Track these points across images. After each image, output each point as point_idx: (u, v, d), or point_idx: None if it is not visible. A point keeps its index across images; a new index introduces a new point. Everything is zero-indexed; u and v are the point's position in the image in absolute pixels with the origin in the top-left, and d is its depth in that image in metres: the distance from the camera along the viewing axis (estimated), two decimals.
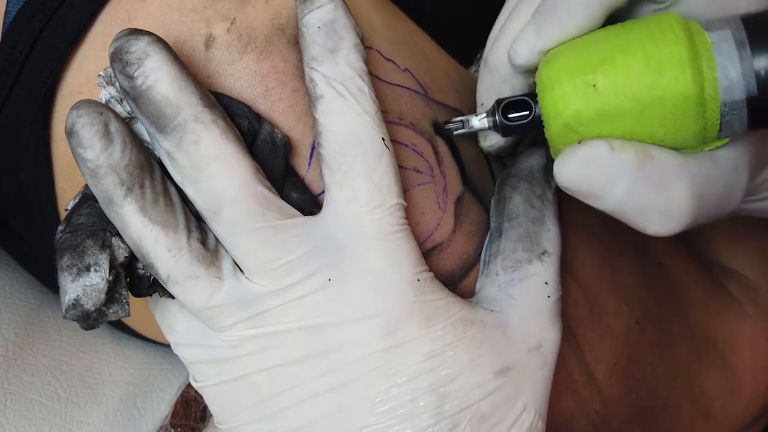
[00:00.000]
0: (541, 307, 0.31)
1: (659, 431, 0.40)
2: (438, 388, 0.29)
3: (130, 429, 0.43)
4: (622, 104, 0.28)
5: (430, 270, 0.31)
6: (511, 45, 0.31)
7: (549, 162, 0.34)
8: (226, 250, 0.29)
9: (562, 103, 0.29)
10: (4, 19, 0.35)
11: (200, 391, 0.31)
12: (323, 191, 0.30)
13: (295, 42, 0.31)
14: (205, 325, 0.30)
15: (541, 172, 0.34)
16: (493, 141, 0.35)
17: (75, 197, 0.31)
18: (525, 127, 0.32)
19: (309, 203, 0.31)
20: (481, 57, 0.58)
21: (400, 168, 0.31)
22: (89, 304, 0.28)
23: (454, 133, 0.34)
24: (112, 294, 0.29)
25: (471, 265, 0.34)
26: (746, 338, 0.43)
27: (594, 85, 0.28)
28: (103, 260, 0.29)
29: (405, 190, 0.31)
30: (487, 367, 0.29)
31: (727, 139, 0.29)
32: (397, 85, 0.33)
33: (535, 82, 0.31)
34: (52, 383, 0.43)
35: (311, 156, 0.31)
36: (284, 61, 0.31)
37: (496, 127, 0.32)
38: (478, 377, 0.29)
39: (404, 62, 0.34)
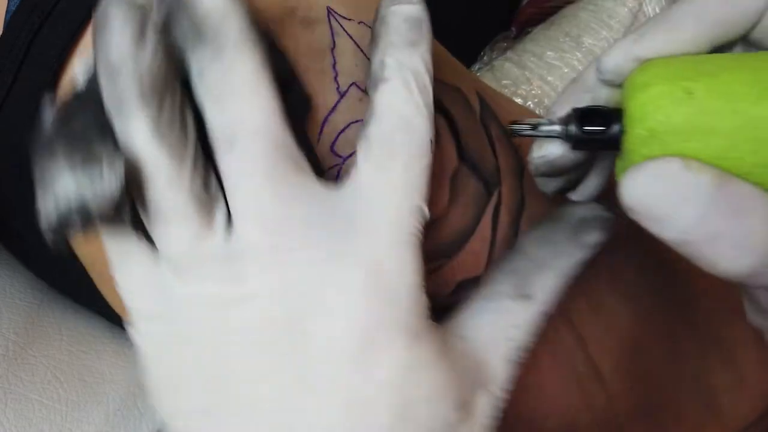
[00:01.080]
0: (498, 346, 0.30)
1: (665, 427, 0.39)
2: (399, 409, 0.27)
3: (130, 429, 0.43)
4: (717, 121, 0.25)
5: (426, 243, 0.29)
6: (602, 54, 0.28)
7: (591, 217, 0.32)
8: (225, 198, 0.27)
9: (651, 105, 0.26)
10: (5, 18, 0.35)
11: (141, 350, 0.28)
12: (328, 169, 0.30)
13: (307, 23, 0.31)
14: (174, 274, 0.27)
15: (574, 223, 0.32)
16: (547, 152, 0.31)
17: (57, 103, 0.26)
18: (600, 142, 0.28)
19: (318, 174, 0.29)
20: (485, 55, 0.58)
21: None
22: (97, 206, 0.23)
23: (520, 134, 0.30)
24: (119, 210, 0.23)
25: (467, 236, 0.33)
26: (752, 334, 0.43)
27: (691, 93, 0.25)
28: (119, 157, 0.23)
29: None
30: (449, 399, 0.28)
31: None
32: None
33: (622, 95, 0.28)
34: (52, 383, 0.43)
35: (320, 134, 0.31)
36: (296, 43, 0.31)
37: (566, 136, 0.29)
38: (440, 407, 0.28)
39: None
